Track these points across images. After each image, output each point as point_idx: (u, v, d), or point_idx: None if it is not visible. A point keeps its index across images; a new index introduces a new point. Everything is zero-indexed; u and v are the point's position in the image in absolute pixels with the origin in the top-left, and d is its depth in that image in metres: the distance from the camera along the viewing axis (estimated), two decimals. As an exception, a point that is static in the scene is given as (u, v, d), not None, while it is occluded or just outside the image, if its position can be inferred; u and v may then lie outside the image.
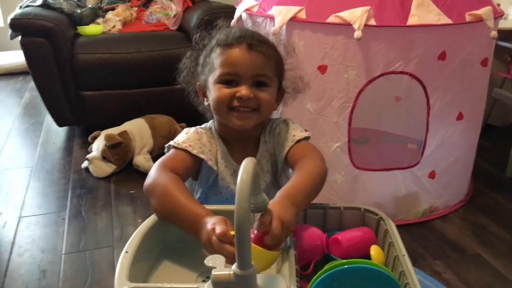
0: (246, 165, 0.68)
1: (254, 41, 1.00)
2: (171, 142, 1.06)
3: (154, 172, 0.96)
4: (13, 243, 1.95)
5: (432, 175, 2.01)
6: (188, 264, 0.88)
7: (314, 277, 0.70)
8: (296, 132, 1.08)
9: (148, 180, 0.95)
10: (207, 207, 0.96)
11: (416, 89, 1.90)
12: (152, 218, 0.89)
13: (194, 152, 1.03)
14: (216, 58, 1.02)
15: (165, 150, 1.08)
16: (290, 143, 1.05)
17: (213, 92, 1.03)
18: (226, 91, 1.00)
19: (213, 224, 0.77)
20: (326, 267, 0.79)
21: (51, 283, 1.72)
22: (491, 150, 2.59)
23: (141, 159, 2.49)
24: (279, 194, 0.86)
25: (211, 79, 1.03)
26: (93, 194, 2.32)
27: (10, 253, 1.89)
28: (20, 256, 1.87)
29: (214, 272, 0.68)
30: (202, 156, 1.04)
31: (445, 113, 1.93)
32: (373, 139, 2.46)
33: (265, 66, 1.01)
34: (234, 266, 0.67)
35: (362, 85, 1.82)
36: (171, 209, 0.88)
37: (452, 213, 2.10)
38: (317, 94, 1.86)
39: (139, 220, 2.07)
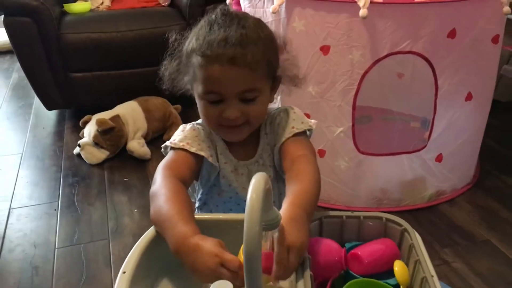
0: (256, 183, 0.59)
1: (238, 50, 0.85)
2: (168, 143, 0.97)
3: (159, 177, 0.87)
4: (3, 237, 1.86)
5: (439, 158, 1.93)
6: (191, 282, 0.79)
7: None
8: (296, 124, 0.98)
9: (153, 186, 0.87)
10: (211, 216, 0.88)
11: (422, 67, 1.80)
12: (150, 231, 0.80)
13: (193, 150, 0.95)
14: (197, 68, 0.89)
15: (162, 150, 0.99)
16: (288, 134, 0.96)
17: (199, 107, 0.94)
18: (212, 111, 0.91)
19: (215, 250, 0.68)
20: (346, 287, 0.71)
21: (45, 281, 1.64)
22: (497, 127, 2.50)
23: (135, 144, 2.39)
24: (289, 204, 0.76)
25: (195, 90, 0.93)
26: (86, 183, 2.22)
27: (1, 248, 1.80)
28: (11, 252, 1.79)
29: (221, 307, 0.59)
30: (201, 153, 0.95)
31: (453, 94, 1.83)
32: (375, 118, 2.37)
33: (252, 79, 0.89)
34: (244, 300, 0.58)
35: (367, 66, 1.71)
36: (161, 220, 0.79)
37: (459, 197, 2.03)
38: (319, 76, 1.76)
39: (135, 210, 1.99)
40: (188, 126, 1.02)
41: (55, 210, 2.03)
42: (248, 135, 0.99)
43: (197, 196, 1.06)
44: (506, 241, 1.76)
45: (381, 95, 2.31)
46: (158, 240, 0.79)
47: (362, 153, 1.86)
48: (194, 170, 0.96)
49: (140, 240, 0.77)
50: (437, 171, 1.95)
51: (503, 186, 2.11)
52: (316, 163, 0.91)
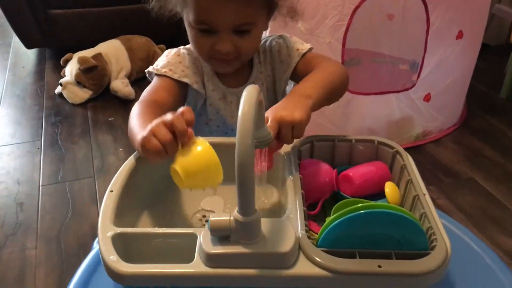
0: (249, 95, 0.57)
1: None
2: (151, 68, 0.93)
3: (134, 106, 0.83)
4: (-14, 175, 1.84)
5: (427, 98, 1.92)
6: (182, 201, 0.78)
7: (326, 223, 0.61)
8: (299, 46, 0.96)
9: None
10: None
11: (414, 5, 1.75)
12: (137, 154, 0.77)
13: (176, 76, 0.91)
14: None
15: (147, 76, 0.95)
16: (296, 58, 0.94)
17: (190, 36, 0.89)
18: (203, 42, 0.86)
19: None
20: (336, 206, 0.70)
21: (30, 217, 1.63)
22: (485, 70, 2.48)
23: (118, 84, 2.33)
24: (288, 94, 0.79)
25: (185, 16, 0.87)
26: (69, 122, 2.18)
27: (-16, 185, 1.78)
28: (-6, 188, 1.77)
29: (212, 218, 0.58)
30: (185, 80, 0.92)
31: (445, 31, 1.80)
32: (364, 60, 2.33)
33: (248, 12, 0.83)
34: (235, 212, 0.57)
35: (358, 0, 1.66)
36: (131, 134, 0.74)
37: (445, 137, 2.04)
38: (309, 11, 1.70)
39: (120, 149, 1.97)
40: (174, 51, 0.97)
41: (38, 148, 1.99)
42: None
43: (183, 127, 1.03)
44: (489, 179, 1.79)
45: (371, 37, 2.26)
46: (146, 162, 0.77)
47: (351, 92, 1.84)
48: (176, 97, 0.91)
49: (127, 161, 0.75)
50: (424, 111, 1.94)
51: (488, 127, 2.13)
52: (336, 62, 0.92)
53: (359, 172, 0.76)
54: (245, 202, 0.56)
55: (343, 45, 1.75)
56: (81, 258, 1.42)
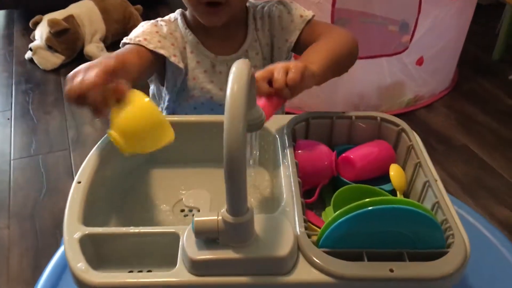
0: (238, 71, 0.47)
1: None
2: (125, 40, 0.82)
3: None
4: (-48, 149, 1.72)
5: (420, 61, 1.83)
6: (159, 194, 0.69)
7: (329, 220, 0.53)
8: (301, 12, 0.87)
9: None
10: (181, 118, 0.76)
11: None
12: (106, 138, 0.67)
13: (151, 46, 0.80)
14: None
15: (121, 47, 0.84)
16: (301, 25, 0.85)
17: None
18: None
19: None
20: (337, 194, 0.62)
21: (1, 193, 1.53)
22: (477, 31, 2.39)
23: (93, 48, 2.19)
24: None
25: None
26: (41, 89, 2.05)
27: (-50, 160, 1.66)
28: (-39, 164, 1.65)
29: (196, 218, 0.50)
30: (161, 51, 0.81)
31: (440, -9, 1.70)
32: (353, 21, 2.22)
33: None
34: (223, 210, 0.49)
35: (349, -44, 1.55)
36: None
37: (437, 102, 1.97)
38: (296, -32, 1.58)
39: (97, 120, 1.85)
40: (150, 22, 0.87)
41: (8, 119, 1.87)
42: (231, 28, 0.85)
43: (163, 104, 0.93)
44: (482, 145, 1.73)
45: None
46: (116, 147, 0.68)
47: (340, 55, 1.74)
48: (147, 68, 0.81)
49: (95, 147, 0.65)
50: (416, 75, 1.86)
51: (481, 90, 2.06)
52: (344, 30, 0.84)
53: (360, 154, 0.67)
54: (236, 200, 0.47)
55: (333, 4, 1.64)
56: (57, 238, 1.35)
